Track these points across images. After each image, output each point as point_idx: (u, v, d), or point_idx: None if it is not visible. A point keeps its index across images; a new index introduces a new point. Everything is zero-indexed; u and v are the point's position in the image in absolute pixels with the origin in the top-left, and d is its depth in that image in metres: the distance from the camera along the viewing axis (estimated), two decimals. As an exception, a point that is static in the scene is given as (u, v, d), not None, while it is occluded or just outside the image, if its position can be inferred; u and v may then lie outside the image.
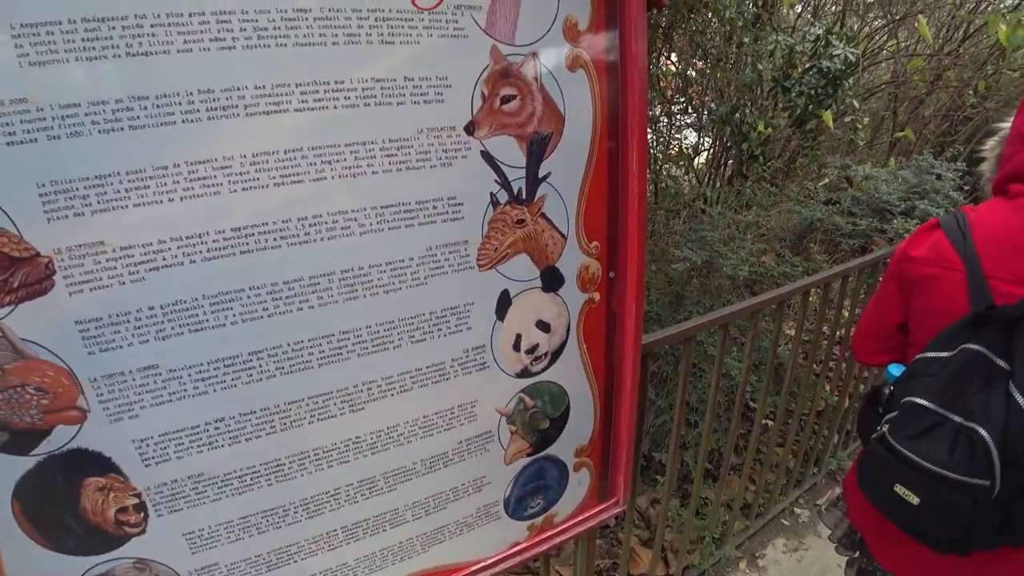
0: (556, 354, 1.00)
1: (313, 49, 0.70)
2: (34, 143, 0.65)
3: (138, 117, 0.68)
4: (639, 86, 0.91)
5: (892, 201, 2.81)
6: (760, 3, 3.03)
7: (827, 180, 2.93)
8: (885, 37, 3.86)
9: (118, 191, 0.69)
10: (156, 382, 0.76)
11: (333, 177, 0.73)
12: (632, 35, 0.90)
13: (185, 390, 0.78)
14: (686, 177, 3.16)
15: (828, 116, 2.75)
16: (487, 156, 0.82)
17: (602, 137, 0.91)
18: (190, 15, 0.67)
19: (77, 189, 0.68)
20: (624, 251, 0.98)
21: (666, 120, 2.95)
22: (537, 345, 0.97)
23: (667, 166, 3.06)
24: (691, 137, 3.05)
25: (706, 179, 3.18)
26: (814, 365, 2.30)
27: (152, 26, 0.66)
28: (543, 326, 0.96)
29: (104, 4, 0.64)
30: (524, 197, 0.86)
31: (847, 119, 2.58)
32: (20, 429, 0.71)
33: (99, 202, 0.69)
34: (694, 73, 2.53)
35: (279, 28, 0.69)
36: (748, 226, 2.20)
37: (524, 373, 0.99)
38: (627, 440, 1.15)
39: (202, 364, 0.78)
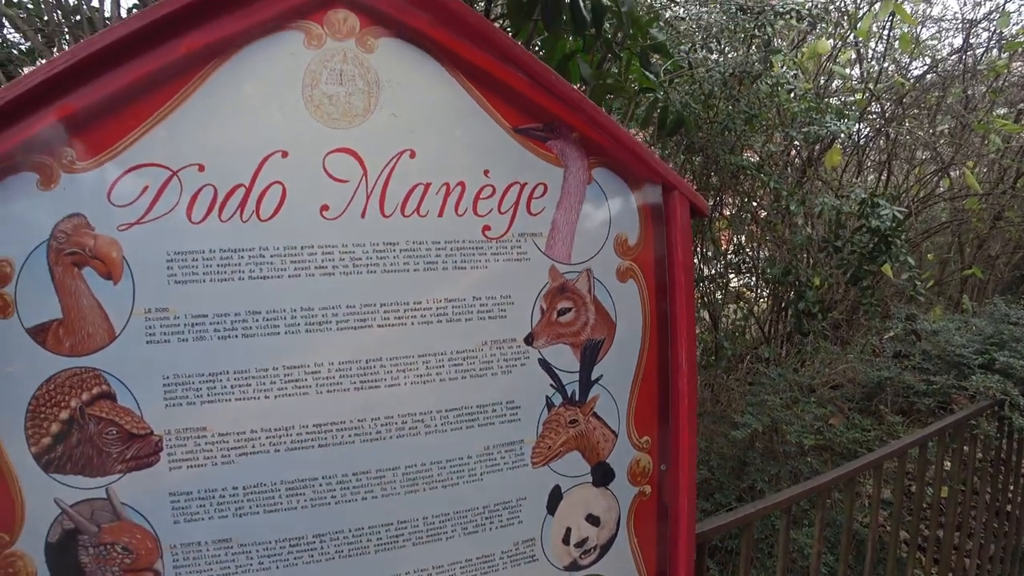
0: (606, 547, 0.99)
1: (397, 275, 0.83)
2: (167, 343, 0.79)
3: (250, 327, 0.81)
4: (686, 290, 0.99)
5: (967, 355, 2.66)
6: (805, 158, 3.18)
7: (892, 333, 2.84)
8: (937, 179, 3.91)
9: (225, 386, 0.81)
10: (227, 554, 0.82)
11: (406, 384, 0.83)
12: (678, 245, 0.99)
13: (251, 564, 0.83)
14: (746, 324, 3.15)
15: (888, 268, 2.73)
16: (544, 363, 0.90)
17: (652, 338, 0.97)
18: (302, 248, 0.82)
19: (193, 382, 0.80)
20: (676, 444, 1.00)
21: (721, 269, 3.02)
22: (587, 538, 0.97)
23: (726, 311, 3.07)
24: (747, 289, 3.09)
25: (767, 326, 3.16)
26: (901, 533, 2.07)
27: (272, 256, 0.81)
28: (593, 520, 0.97)
29: (239, 238, 0.80)
30: (577, 399, 0.92)
31: (904, 276, 2.56)
32: (100, 582, 0.78)
33: (209, 394, 0.80)
34: (744, 238, 2.64)
35: (371, 258, 0.82)
36: (811, 388, 2.14)
37: (573, 566, 0.98)
38: (684, 640, 1.08)
39: (270, 542, 0.84)
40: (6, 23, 2.31)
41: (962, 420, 2.22)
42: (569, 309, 0.91)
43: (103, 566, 0.79)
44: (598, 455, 0.95)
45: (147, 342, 0.78)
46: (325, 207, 0.82)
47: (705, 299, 2.93)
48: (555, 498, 0.94)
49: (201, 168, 0.79)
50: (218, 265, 0.80)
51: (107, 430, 0.78)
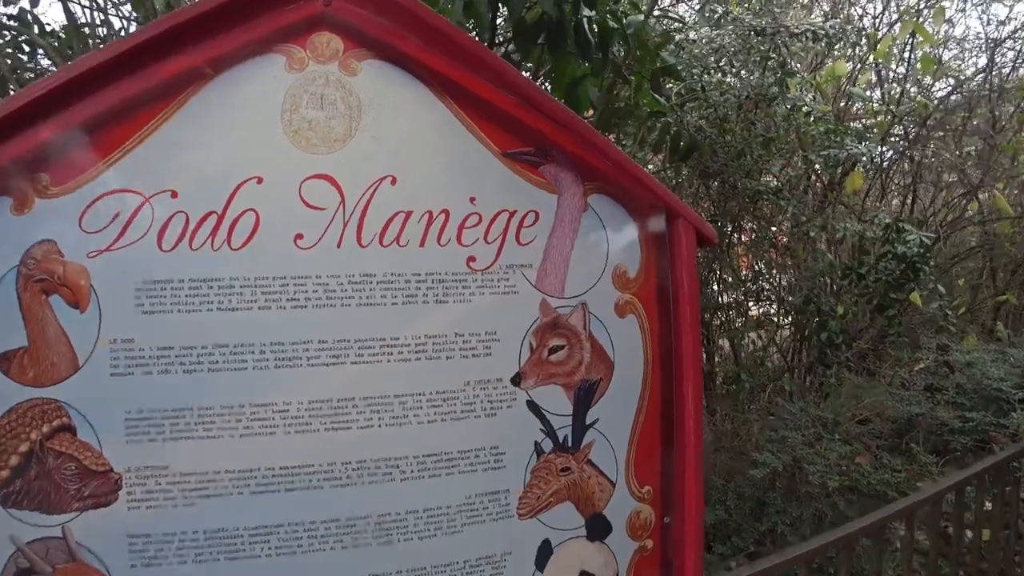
0: (604, 609, 0.91)
1: (374, 308, 0.78)
2: (131, 376, 0.75)
3: (217, 362, 0.76)
4: (692, 325, 0.92)
5: (1006, 389, 2.50)
6: (827, 181, 3.08)
7: (923, 364, 2.70)
8: (965, 202, 3.79)
9: (188, 423, 0.76)
10: (183, 605, 0.76)
11: (380, 425, 0.77)
12: (684, 277, 0.92)
13: (209, 616, 0.77)
14: (766, 353, 3.03)
15: (916, 297, 2.61)
16: (532, 406, 0.83)
17: (654, 378, 0.90)
18: (273, 279, 0.77)
19: (155, 418, 0.75)
20: (681, 494, 0.91)
21: (740, 297, 2.93)
22: (581, 598, 0.89)
23: (746, 341, 2.96)
24: (766, 318, 2.99)
25: (789, 354, 3.04)
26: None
27: (242, 287, 0.77)
28: (588, 578, 0.88)
29: (209, 268, 0.76)
30: (570, 444, 0.85)
31: (933, 306, 2.44)
32: (50, 630, 0.73)
33: (171, 431, 0.75)
34: (763, 264, 2.55)
35: (346, 290, 0.78)
36: (835, 423, 2.02)
37: (567, 629, 0.89)
38: None
39: (232, 593, 0.77)
40: (39, 51, 2.39)
41: (1003, 462, 2.07)
42: (562, 347, 0.84)
43: (58, 612, 0.74)
44: (593, 506, 0.88)
45: (111, 374, 0.74)
46: (299, 236, 0.78)
47: (725, 328, 2.83)
48: (544, 553, 0.86)
49: (174, 194, 0.76)
50: (186, 296, 0.76)
51: (66, 465, 0.74)
